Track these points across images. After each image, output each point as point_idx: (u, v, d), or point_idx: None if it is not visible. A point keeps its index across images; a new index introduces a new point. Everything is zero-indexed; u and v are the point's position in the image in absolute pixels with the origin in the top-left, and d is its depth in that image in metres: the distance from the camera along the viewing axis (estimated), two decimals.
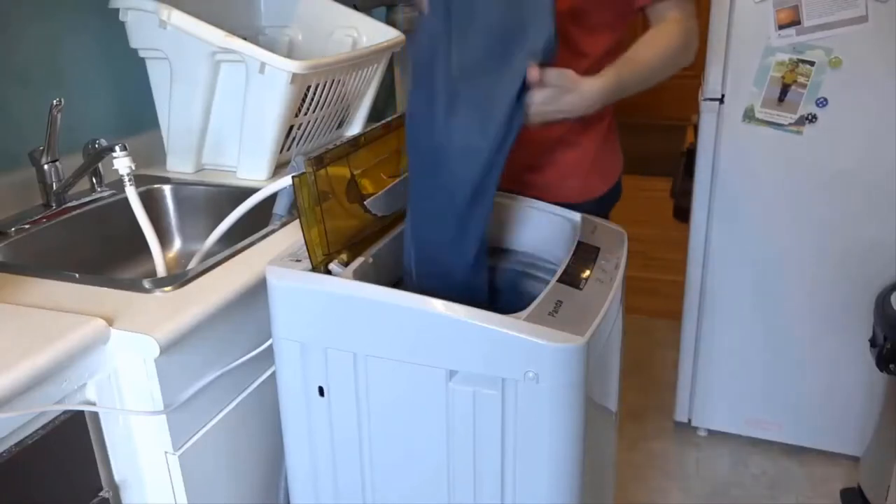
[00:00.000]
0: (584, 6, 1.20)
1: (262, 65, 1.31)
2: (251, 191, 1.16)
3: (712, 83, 1.72)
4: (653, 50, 1.16)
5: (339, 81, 1.47)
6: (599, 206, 1.35)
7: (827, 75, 1.62)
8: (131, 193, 1.15)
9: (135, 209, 1.16)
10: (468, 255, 1.02)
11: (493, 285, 1.19)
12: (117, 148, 1.13)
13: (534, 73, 0.97)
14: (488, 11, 1.03)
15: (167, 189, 1.42)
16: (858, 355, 1.81)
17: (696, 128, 1.82)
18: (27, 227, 1.19)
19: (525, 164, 1.34)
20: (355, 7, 1.67)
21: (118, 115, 1.48)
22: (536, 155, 1.34)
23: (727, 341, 1.92)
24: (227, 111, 1.42)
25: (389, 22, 1.77)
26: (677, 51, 1.18)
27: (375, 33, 1.63)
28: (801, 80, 1.64)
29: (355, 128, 1.69)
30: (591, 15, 1.22)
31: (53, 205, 1.26)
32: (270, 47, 1.37)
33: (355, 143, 0.98)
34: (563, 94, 1.02)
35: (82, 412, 0.86)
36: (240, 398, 1.04)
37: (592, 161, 1.35)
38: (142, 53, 1.42)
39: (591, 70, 1.12)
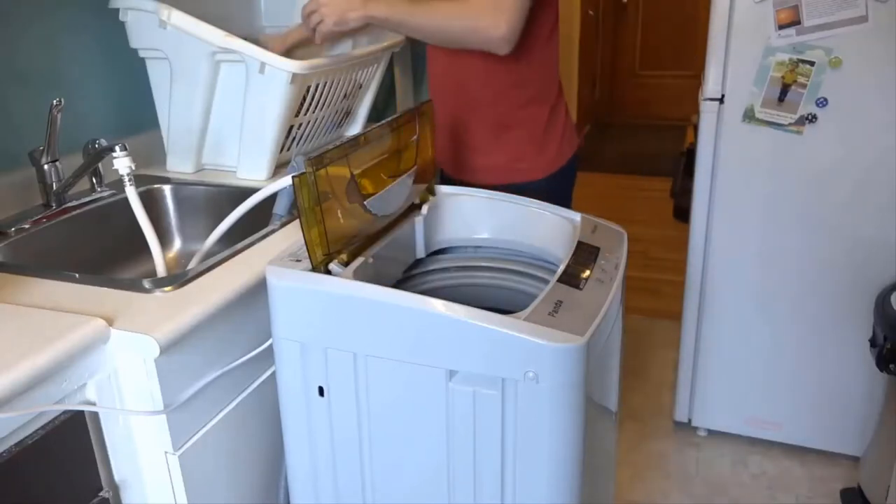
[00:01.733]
0: None
1: (262, 65, 1.31)
2: (251, 191, 1.16)
3: (712, 83, 1.72)
4: (433, 8, 1.27)
5: (339, 81, 1.47)
6: (554, 184, 1.44)
7: (827, 75, 1.62)
8: (131, 193, 1.15)
9: (135, 209, 1.16)
10: None
11: (494, 285, 1.20)
12: (117, 148, 1.13)
13: None
14: None
15: (167, 189, 1.42)
16: (858, 355, 1.81)
17: (696, 128, 1.82)
18: (27, 227, 1.19)
19: (472, 146, 1.46)
20: None
21: (118, 115, 1.49)
22: (483, 137, 1.44)
23: (727, 341, 1.92)
24: (227, 111, 1.42)
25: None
26: (459, 19, 1.26)
27: (375, 33, 1.63)
28: (801, 80, 1.65)
29: (355, 128, 1.69)
30: None
31: (53, 205, 1.26)
32: None
33: (355, 143, 0.98)
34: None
35: (82, 412, 0.86)
36: (240, 398, 1.04)
37: (541, 141, 1.44)
38: (142, 53, 1.42)
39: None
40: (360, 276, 0.94)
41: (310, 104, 1.43)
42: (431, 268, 1.21)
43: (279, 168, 1.46)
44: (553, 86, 1.46)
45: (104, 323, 0.85)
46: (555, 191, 1.37)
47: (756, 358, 1.91)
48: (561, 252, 1.09)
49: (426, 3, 1.28)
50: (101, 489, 0.91)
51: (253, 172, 1.43)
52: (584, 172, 1.56)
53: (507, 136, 1.43)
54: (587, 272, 0.98)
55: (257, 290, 1.00)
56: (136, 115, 1.51)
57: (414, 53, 2.04)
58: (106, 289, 0.95)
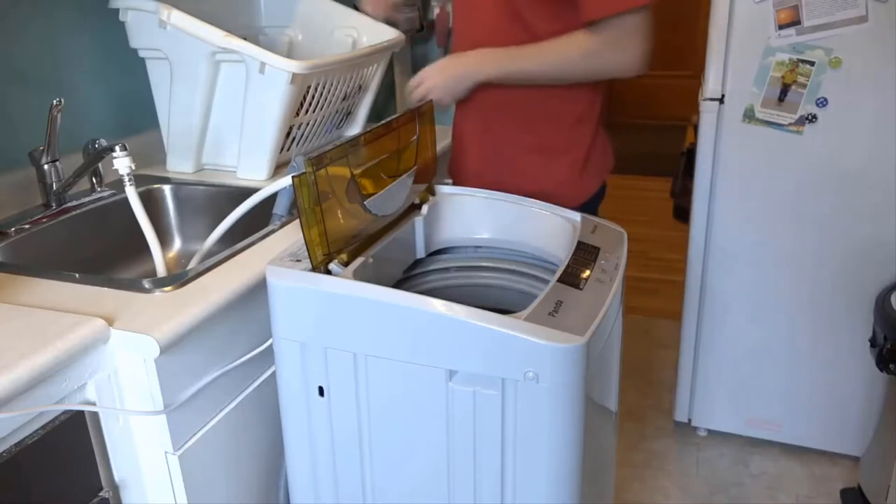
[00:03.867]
0: None
1: (262, 65, 1.31)
2: (251, 191, 1.16)
3: (712, 83, 1.72)
4: (550, 48, 1.21)
5: (339, 81, 1.47)
6: (587, 208, 1.37)
7: (827, 75, 1.62)
8: (131, 193, 1.15)
9: (135, 209, 1.16)
10: None
11: (494, 285, 1.20)
12: (117, 148, 1.13)
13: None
14: None
15: (167, 189, 1.42)
16: (858, 355, 1.81)
17: (696, 128, 1.82)
18: (27, 227, 1.19)
19: (517, 171, 1.35)
20: (355, 7, 1.67)
21: (118, 115, 1.49)
22: (530, 162, 1.34)
23: (727, 341, 1.92)
24: (227, 111, 1.42)
25: (389, 22, 1.77)
26: (574, 59, 1.20)
27: (375, 33, 1.63)
28: (801, 80, 1.64)
29: (355, 128, 1.69)
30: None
31: (53, 205, 1.26)
32: (270, 47, 1.38)
33: (355, 143, 0.98)
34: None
35: (82, 412, 0.86)
36: (240, 398, 1.04)
37: (584, 164, 1.35)
38: (142, 53, 1.42)
39: None
40: (359, 276, 0.94)
41: (310, 104, 1.43)
42: (431, 268, 1.21)
43: (279, 168, 1.46)
44: (598, 101, 1.35)
45: (104, 323, 0.85)
46: (585, 212, 1.31)
47: (756, 358, 1.91)
48: (561, 252, 1.09)
49: (536, 46, 1.21)
50: (101, 489, 0.91)
51: (253, 172, 1.43)
52: None
53: (551, 162, 1.33)
54: (587, 272, 0.98)
55: (257, 290, 1.00)
56: (136, 115, 1.51)
57: (414, 53, 2.05)
58: (106, 289, 0.95)
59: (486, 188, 1.35)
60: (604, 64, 1.21)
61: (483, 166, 1.38)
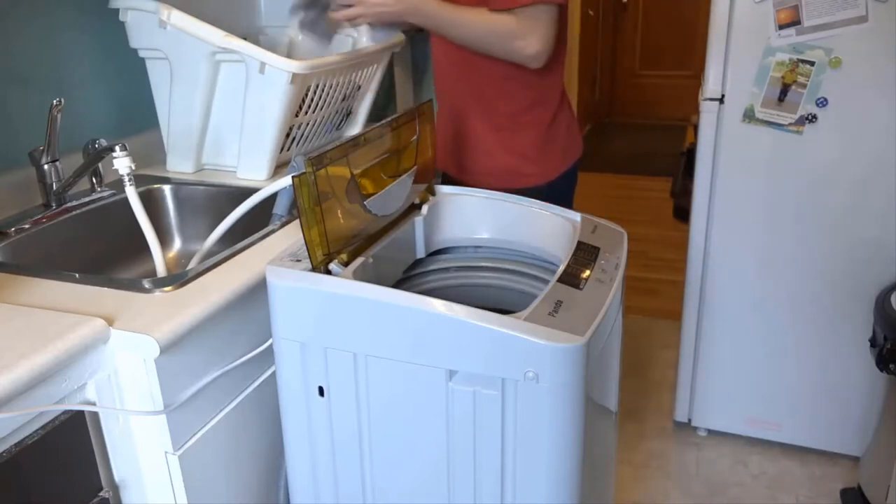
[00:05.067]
0: None
1: (262, 65, 1.31)
2: (251, 191, 1.16)
3: (712, 83, 1.72)
4: (476, 16, 1.29)
5: (338, 81, 1.47)
6: (557, 188, 1.43)
7: (827, 75, 1.62)
8: (131, 193, 1.15)
9: (135, 209, 1.16)
10: None
11: (494, 285, 1.20)
12: (117, 148, 1.13)
13: None
14: None
15: (167, 189, 1.42)
16: (858, 355, 1.81)
17: (696, 128, 1.82)
18: (27, 227, 1.19)
19: (476, 147, 1.45)
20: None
21: (118, 115, 1.49)
22: (488, 139, 1.43)
23: (727, 341, 1.92)
24: (227, 111, 1.42)
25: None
26: (495, 34, 1.29)
27: None
28: (801, 80, 1.64)
29: (355, 128, 1.69)
30: None
31: (53, 205, 1.26)
32: (270, 47, 1.38)
33: (355, 143, 0.98)
34: None
35: (82, 412, 0.86)
36: (240, 398, 1.04)
37: (544, 141, 1.43)
38: (142, 53, 1.42)
39: None
40: (359, 276, 0.94)
41: (310, 104, 1.43)
42: (431, 268, 1.21)
43: (279, 168, 1.46)
44: (557, 89, 1.45)
45: (104, 323, 0.85)
46: (556, 195, 1.36)
47: (756, 358, 1.91)
48: (561, 252, 1.09)
49: (466, 10, 1.30)
50: (101, 489, 0.91)
51: (253, 172, 1.43)
52: (584, 172, 1.56)
53: (512, 138, 1.43)
54: (587, 272, 0.98)
55: (257, 290, 1.00)
56: (136, 115, 1.51)
57: (414, 53, 2.05)
58: (106, 289, 0.95)
59: (457, 166, 1.50)
60: (508, 47, 1.29)
61: (452, 144, 1.49)
